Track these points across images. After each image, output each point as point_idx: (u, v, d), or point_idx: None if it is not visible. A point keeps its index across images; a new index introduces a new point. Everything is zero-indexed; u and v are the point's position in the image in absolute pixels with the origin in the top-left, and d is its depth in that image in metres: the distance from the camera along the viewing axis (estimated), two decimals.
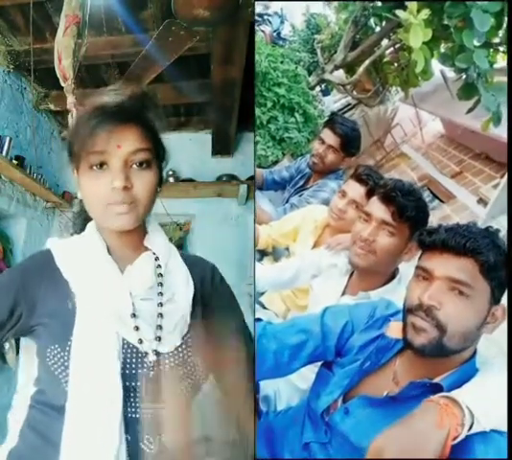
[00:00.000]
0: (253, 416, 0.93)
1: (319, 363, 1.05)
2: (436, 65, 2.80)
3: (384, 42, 3.15)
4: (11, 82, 2.73)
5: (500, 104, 2.28)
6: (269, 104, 2.74)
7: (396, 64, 3.15)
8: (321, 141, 1.98)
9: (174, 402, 0.80)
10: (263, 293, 1.77)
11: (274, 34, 4.28)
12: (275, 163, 2.73)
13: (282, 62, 2.88)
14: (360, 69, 3.11)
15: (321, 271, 1.43)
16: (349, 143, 1.95)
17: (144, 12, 2.27)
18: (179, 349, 0.82)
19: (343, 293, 1.32)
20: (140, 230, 0.89)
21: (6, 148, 2.42)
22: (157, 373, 0.78)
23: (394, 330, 0.93)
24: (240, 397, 0.87)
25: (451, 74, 2.83)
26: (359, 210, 1.44)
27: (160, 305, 0.83)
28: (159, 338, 0.80)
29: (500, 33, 2.40)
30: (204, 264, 1.00)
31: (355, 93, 3.77)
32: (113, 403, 0.73)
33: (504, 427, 0.75)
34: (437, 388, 0.80)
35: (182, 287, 0.88)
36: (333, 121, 1.98)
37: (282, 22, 4.54)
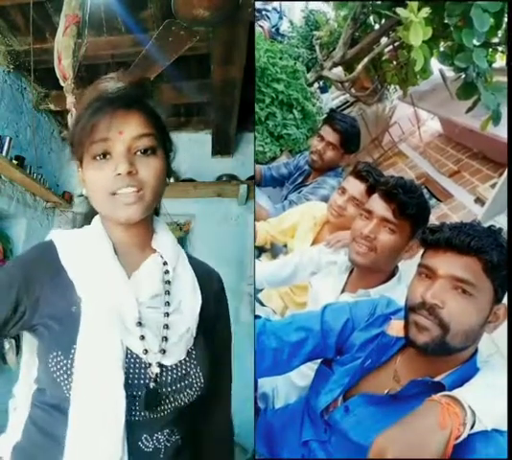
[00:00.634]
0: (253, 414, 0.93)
1: (318, 360, 1.05)
2: (435, 64, 2.80)
3: (384, 40, 3.14)
4: (11, 82, 2.73)
5: (500, 104, 2.29)
6: (268, 100, 2.72)
7: (395, 62, 3.14)
8: (320, 138, 1.98)
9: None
10: (261, 290, 1.76)
11: (273, 29, 4.26)
12: (273, 159, 2.71)
13: (281, 58, 2.86)
14: (359, 67, 3.10)
15: (320, 268, 1.43)
16: (348, 140, 1.95)
17: (144, 12, 2.26)
18: (183, 361, 0.80)
19: (343, 291, 1.32)
20: (147, 228, 0.86)
21: (6, 148, 2.41)
22: (159, 384, 0.77)
23: (395, 328, 0.92)
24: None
25: (450, 73, 2.82)
26: (358, 207, 1.43)
27: (166, 315, 0.80)
28: (164, 351, 0.78)
29: (500, 33, 2.40)
30: (211, 275, 0.96)
31: (353, 90, 3.76)
32: (117, 412, 0.71)
33: (505, 427, 0.75)
34: (438, 387, 0.80)
35: (189, 296, 0.85)
36: (332, 117, 1.97)
37: (280, 18, 4.52)
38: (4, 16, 2.34)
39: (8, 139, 2.44)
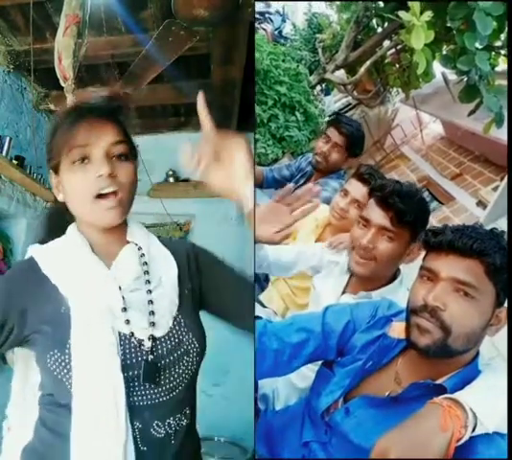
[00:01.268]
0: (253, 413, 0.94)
1: (318, 362, 1.05)
2: (438, 67, 2.80)
3: (386, 43, 3.15)
4: (11, 82, 2.71)
5: (502, 107, 2.29)
6: (270, 103, 2.73)
7: (397, 65, 3.15)
8: (326, 140, 1.98)
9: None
10: (262, 291, 1.76)
11: (276, 32, 4.28)
12: (275, 161, 2.72)
13: (283, 60, 2.87)
14: (362, 69, 3.10)
15: (322, 265, 1.43)
16: (354, 143, 1.95)
17: (144, 12, 2.25)
18: (173, 330, 0.84)
19: (344, 292, 1.32)
20: (122, 226, 0.90)
21: (6, 148, 2.40)
22: (156, 357, 0.80)
23: (397, 330, 0.92)
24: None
25: (452, 76, 2.83)
26: (361, 209, 1.43)
27: (149, 292, 0.85)
28: (153, 324, 0.82)
29: (503, 36, 2.40)
30: (184, 243, 1.03)
31: (355, 93, 3.77)
32: (117, 395, 0.74)
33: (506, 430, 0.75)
34: (440, 389, 0.80)
35: (165, 269, 0.90)
36: (338, 120, 1.97)
37: (283, 20, 4.54)
38: (4, 16, 2.33)
39: (8, 139, 2.43)
